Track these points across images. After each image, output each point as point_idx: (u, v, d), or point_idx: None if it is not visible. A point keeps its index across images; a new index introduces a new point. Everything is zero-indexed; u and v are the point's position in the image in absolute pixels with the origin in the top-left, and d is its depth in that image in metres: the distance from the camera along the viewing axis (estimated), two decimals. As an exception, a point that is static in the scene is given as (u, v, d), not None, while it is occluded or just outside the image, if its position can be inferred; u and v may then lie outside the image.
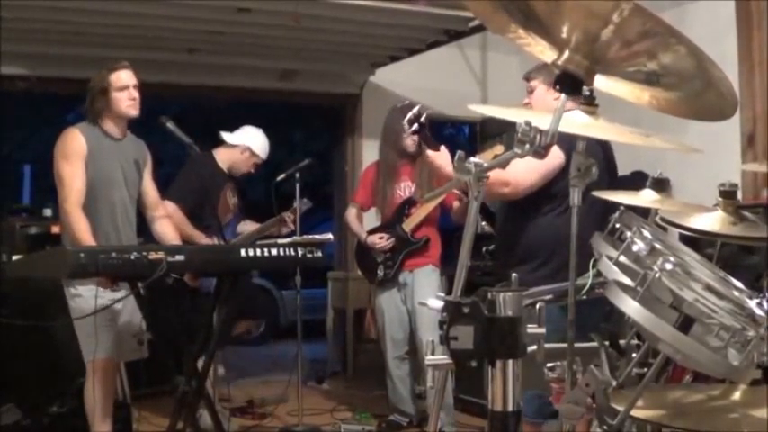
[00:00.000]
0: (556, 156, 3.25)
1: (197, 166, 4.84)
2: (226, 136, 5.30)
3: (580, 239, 2.02)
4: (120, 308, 3.93)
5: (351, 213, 5.55)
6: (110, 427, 3.97)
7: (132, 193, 4.19)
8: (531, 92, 3.74)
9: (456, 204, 5.01)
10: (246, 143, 5.25)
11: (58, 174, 3.95)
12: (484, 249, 5.56)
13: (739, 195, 2.39)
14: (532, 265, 3.44)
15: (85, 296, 3.82)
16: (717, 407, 1.95)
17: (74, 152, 3.94)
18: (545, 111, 2.32)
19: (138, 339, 4.05)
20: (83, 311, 3.79)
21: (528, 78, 3.77)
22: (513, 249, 3.62)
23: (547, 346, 1.74)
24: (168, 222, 4.36)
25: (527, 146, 1.63)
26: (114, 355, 3.96)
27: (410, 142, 5.22)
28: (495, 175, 2.98)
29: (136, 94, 4.05)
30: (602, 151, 3.39)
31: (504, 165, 1.89)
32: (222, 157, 5.34)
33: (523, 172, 3.41)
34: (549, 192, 3.50)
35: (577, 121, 1.89)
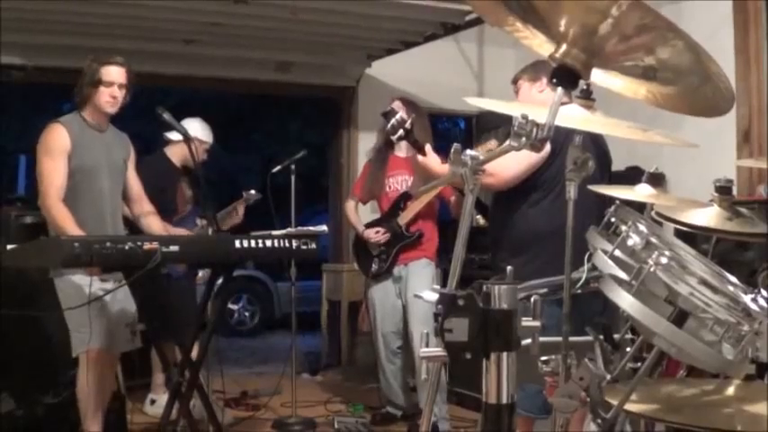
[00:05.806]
0: None
1: (148, 167, 4.89)
2: (171, 135, 5.38)
3: (572, 232, 2.03)
4: (110, 298, 3.91)
5: (350, 206, 5.56)
6: (100, 425, 3.93)
7: (117, 184, 4.18)
8: (517, 92, 3.78)
9: (453, 198, 5.02)
10: (192, 134, 5.30)
11: (39, 169, 3.94)
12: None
13: (734, 191, 2.39)
14: (524, 259, 3.38)
15: (76, 286, 3.82)
16: (711, 401, 1.95)
17: (56, 148, 3.93)
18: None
19: (132, 330, 4.04)
20: (73, 301, 3.78)
21: (515, 81, 3.80)
22: (503, 242, 3.61)
23: (541, 339, 1.74)
24: (155, 217, 4.36)
25: (523, 139, 1.63)
26: (106, 346, 3.93)
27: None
28: None
29: (118, 94, 4.02)
30: (592, 144, 3.33)
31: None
32: (174, 153, 5.49)
33: (507, 162, 3.33)
34: (536, 182, 3.48)
35: (575, 115, 1.89)
